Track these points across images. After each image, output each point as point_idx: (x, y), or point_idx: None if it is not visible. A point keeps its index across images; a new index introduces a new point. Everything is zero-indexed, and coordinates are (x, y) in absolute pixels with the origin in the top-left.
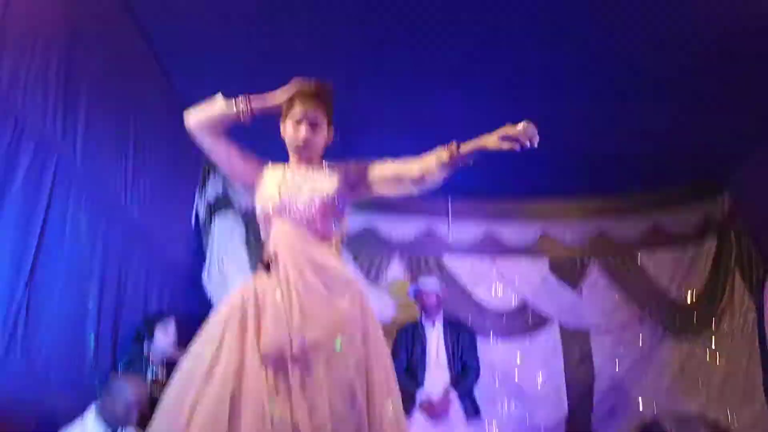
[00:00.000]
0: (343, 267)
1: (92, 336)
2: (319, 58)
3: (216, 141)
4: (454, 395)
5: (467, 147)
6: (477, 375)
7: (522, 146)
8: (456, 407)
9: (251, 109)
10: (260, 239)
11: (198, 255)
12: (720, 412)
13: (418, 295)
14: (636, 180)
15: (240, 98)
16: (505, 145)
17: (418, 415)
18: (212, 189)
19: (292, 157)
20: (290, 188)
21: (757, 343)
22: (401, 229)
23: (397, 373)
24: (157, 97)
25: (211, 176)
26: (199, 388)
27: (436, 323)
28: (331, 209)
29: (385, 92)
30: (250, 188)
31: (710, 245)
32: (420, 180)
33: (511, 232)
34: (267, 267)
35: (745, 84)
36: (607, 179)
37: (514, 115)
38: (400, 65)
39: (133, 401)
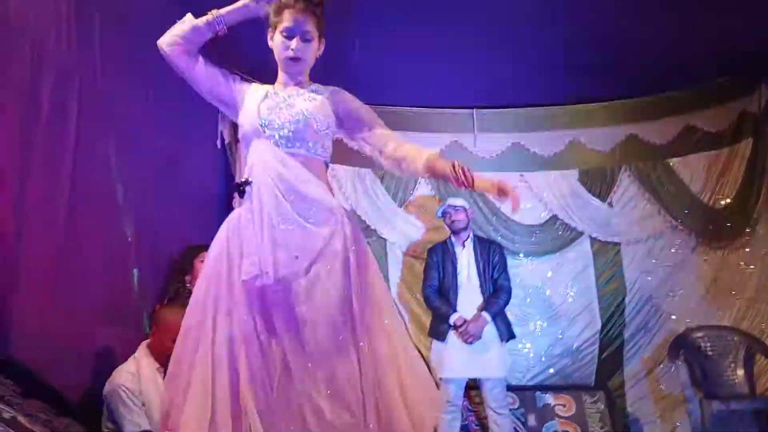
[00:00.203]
0: (327, 193)
1: (135, 272)
2: None
3: (189, 60)
4: (487, 317)
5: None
6: (509, 295)
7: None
8: (489, 329)
9: (224, 21)
10: None
11: (228, 179)
12: (754, 323)
13: (447, 214)
14: (666, 80)
15: (212, 11)
16: (494, 193)
17: (452, 338)
18: None
19: (281, 72)
20: (272, 107)
21: None
22: (426, 145)
23: (430, 293)
24: (174, 17)
25: None
26: (202, 338)
27: (466, 243)
28: (315, 132)
29: None
30: (233, 110)
31: (746, 144)
32: (397, 163)
33: (539, 142)
34: (241, 192)
35: None
36: (636, 81)
37: (539, 20)
38: None
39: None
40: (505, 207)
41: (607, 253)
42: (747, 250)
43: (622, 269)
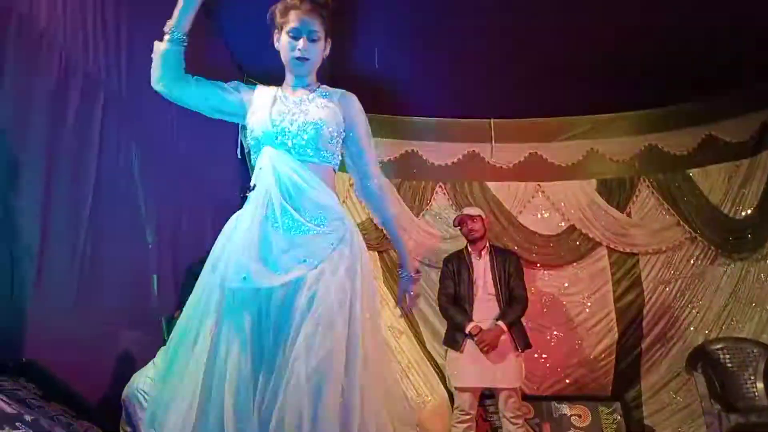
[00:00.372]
0: (336, 201)
1: (155, 278)
2: None
3: (183, 86)
4: (503, 326)
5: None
6: (525, 305)
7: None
8: (505, 338)
9: (179, 27)
10: None
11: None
12: None
13: (464, 223)
14: (686, 89)
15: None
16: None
17: (467, 347)
18: None
19: (288, 73)
20: (284, 113)
21: None
22: (444, 155)
23: (445, 302)
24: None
25: None
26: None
27: (483, 253)
28: (328, 140)
29: None
30: (243, 118)
31: (767, 155)
32: (367, 199)
33: (557, 152)
34: (244, 198)
35: None
36: (656, 90)
37: (557, 29)
38: None
39: None
40: (523, 217)
41: (625, 264)
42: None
43: (641, 280)
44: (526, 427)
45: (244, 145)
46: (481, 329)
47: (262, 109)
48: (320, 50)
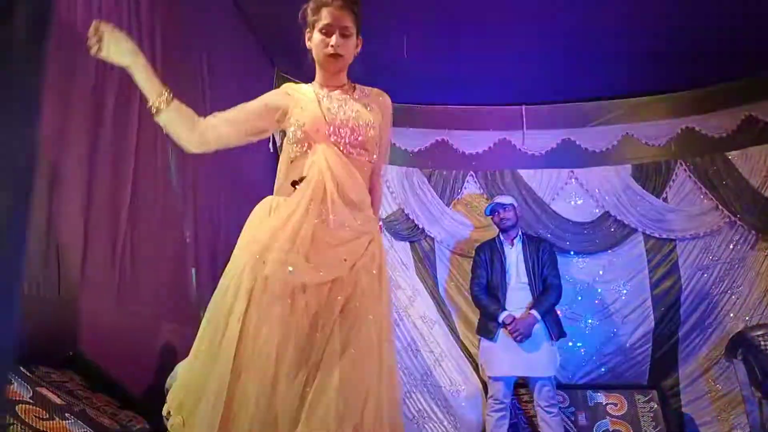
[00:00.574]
0: (370, 200)
1: (193, 271)
2: None
3: (217, 136)
4: (536, 315)
5: None
6: (559, 293)
7: None
8: (539, 327)
9: (153, 95)
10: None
11: None
12: None
13: (496, 212)
14: (724, 69)
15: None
16: None
17: (501, 337)
18: None
19: (320, 72)
20: (335, 111)
21: None
22: (475, 143)
23: (478, 292)
24: (227, 24)
25: None
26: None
27: (515, 242)
28: (376, 142)
29: None
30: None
31: None
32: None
33: (590, 138)
34: (293, 184)
35: None
36: (692, 71)
37: (588, 12)
38: None
39: None
40: (556, 204)
41: (661, 250)
42: None
43: (678, 266)
44: (561, 415)
45: (276, 139)
46: (514, 318)
47: (311, 104)
48: (352, 47)
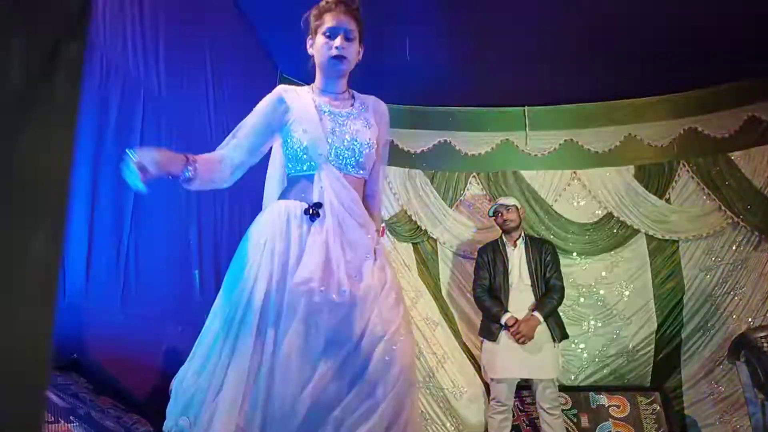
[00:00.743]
0: (368, 216)
1: (197, 273)
2: None
3: (238, 162)
4: (539, 317)
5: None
6: (562, 295)
7: None
8: (542, 329)
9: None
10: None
11: None
12: None
13: (498, 213)
14: (726, 69)
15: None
16: None
17: (503, 338)
18: None
19: (321, 77)
20: (334, 130)
21: None
22: (478, 145)
23: (481, 293)
24: (230, 25)
25: None
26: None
27: (518, 243)
28: (371, 158)
29: None
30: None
31: None
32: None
33: (593, 139)
34: (314, 215)
35: None
36: (694, 71)
37: (590, 12)
38: None
39: None
40: (558, 205)
41: (664, 251)
42: None
43: (680, 267)
44: (564, 417)
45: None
46: (516, 320)
47: (311, 122)
48: (356, 51)
